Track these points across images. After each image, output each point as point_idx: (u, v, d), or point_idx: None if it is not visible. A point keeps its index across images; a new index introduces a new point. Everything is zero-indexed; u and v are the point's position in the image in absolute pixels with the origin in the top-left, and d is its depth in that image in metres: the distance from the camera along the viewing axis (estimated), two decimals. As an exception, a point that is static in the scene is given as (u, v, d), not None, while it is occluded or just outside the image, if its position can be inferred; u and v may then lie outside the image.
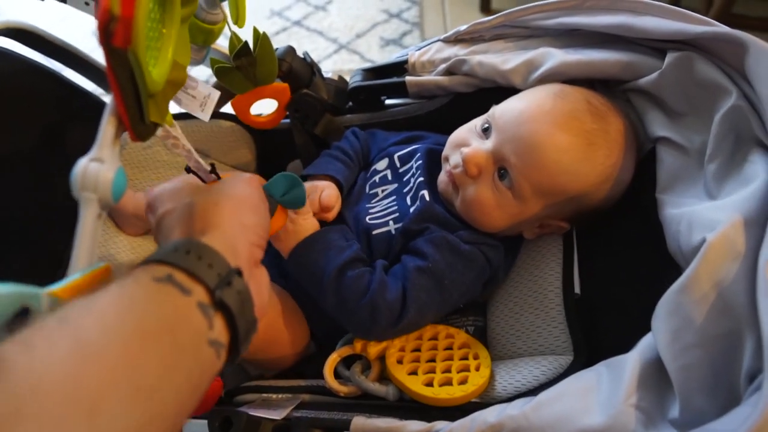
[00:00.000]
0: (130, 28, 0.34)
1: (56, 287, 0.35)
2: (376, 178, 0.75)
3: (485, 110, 0.66)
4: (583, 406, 0.44)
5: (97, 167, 0.39)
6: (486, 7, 1.73)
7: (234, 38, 0.67)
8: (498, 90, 0.70)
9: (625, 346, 0.47)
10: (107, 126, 0.41)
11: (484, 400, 0.57)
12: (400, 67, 0.81)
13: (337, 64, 1.66)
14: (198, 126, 0.87)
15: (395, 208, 0.69)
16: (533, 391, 0.55)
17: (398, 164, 0.75)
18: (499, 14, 0.70)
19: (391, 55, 0.84)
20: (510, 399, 0.55)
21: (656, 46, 0.59)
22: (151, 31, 0.40)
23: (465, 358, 0.61)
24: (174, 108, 0.52)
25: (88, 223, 0.40)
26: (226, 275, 0.38)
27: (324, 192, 0.68)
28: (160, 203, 0.48)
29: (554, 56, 0.64)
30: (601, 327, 0.61)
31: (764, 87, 0.47)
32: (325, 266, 0.61)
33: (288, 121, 0.83)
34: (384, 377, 0.61)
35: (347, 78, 0.86)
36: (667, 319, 0.43)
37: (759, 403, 0.34)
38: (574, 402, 0.45)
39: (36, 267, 0.77)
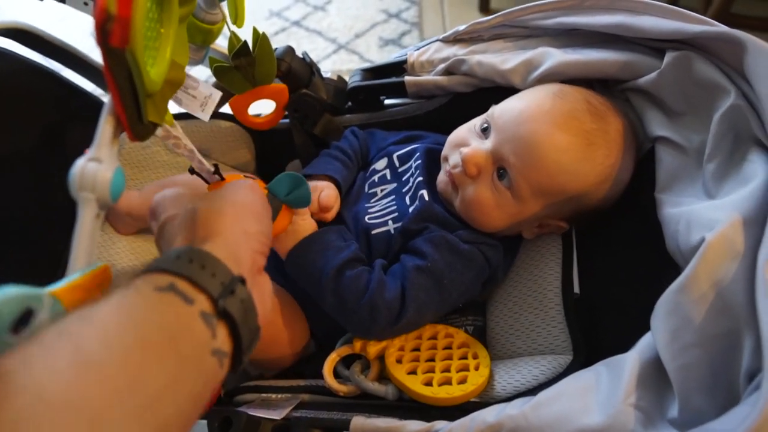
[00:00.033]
0: (127, 28, 0.33)
1: (56, 287, 0.35)
2: (375, 177, 0.75)
3: (484, 110, 0.66)
4: (583, 406, 0.44)
5: (95, 167, 0.39)
6: (485, 7, 1.73)
7: (233, 38, 0.67)
8: (497, 90, 0.70)
9: (624, 346, 0.47)
10: (105, 126, 0.41)
11: (484, 399, 0.57)
12: (399, 67, 0.81)
13: (336, 64, 1.66)
14: (197, 126, 0.87)
15: (394, 207, 0.69)
16: (532, 391, 0.55)
17: (397, 164, 0.75)
18: (498, 14, 0.70)
19: (390, 55, 0.84)
20: (509, 398, 0.55)
21: (655, 45, 0.59)
22: (149, 30, 0.40)
23: (464, 357, 0.61)
24: (173, 108, 0.52)
25: (87, 223, 0.40)
26: (229, 284, 0.38)
27: (323, 192, 0.68)
28: (162, 209, 0.47)
29: (553, 56, 0.64)
30: (600, 327, 0.61)
31: (763, 86, 0.47)
32: (323, 266, 0.61)
33: (287, 121, 0.83)
34: (383, 377, 0.61)
35: (346, 78, 0.86)
36: (666, 319, 0.43)
37: (758, 402, 0.34)
38: (573, 401, 0.45)
39: (36, 267, 0.77)
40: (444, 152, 0.69)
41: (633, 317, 0.49)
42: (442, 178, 0.68)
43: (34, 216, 0.80)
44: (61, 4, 0.71)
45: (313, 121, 0.81)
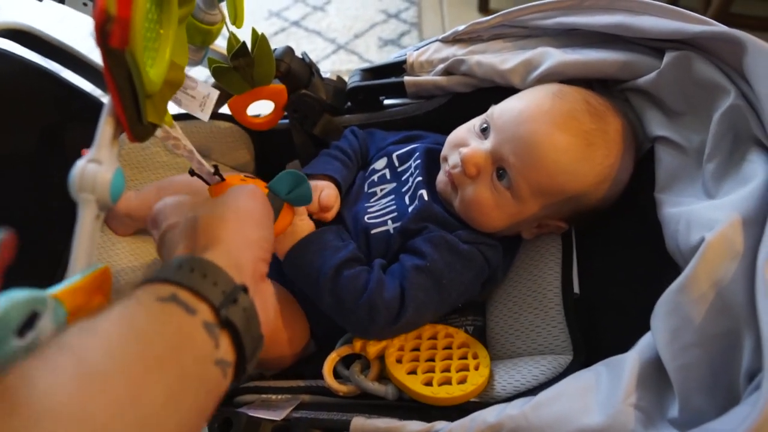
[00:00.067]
0: (127, 29, 0.34)
1: (57, 289, 0.35)
2: (375, 177, 0.75)
3: (484, 110, 0.66)
4: (583, 406, 0.44)
5: (95, 168, 0.39)
6: (484, 7, 1.73)
7: (232, 39, 0.67)
8: (496, 90, 0.70)
9: (624, 346, 0.47)
10: (105, 127, 0.41)
11: (484, 399, 0.57)
12: (398, 68, 0.80)
13: (336, 65, 1.66)
14: (196, 127, 0.87)
15: (394, 207, 0.69)
16: (532, 391, 0.55)
17: (397, 163, 0.75)
18: (498, 14, 0.70)
19: (390, 56, 0.84)
20: (509, 398, 0.55)
21: (654, 45, 0.59)
22: (148, 31, 0.40)
23: (464, 357, 0.61)
24: (173, 109, 0.52)
25: (87, 225, 0.40)
26: (231, 292, 0.38)
27: (323, 192, 0.68)
28: (163, 217, 0.47)
29: (553, 56, 0.64)
30: (600, 327, 0.61)
31: (762, 86, 0.47)
32: (321, 266, 0.61)
33: (287, 121, 0.83)
34: (383, 377, 0.61)
35: (346, 78, 0.86)
36: (666, 319, 0.43)
37: (758, 402, 0.34)
38: (573, 402, 0.45)
39: (36, 267, 0.77)
40: (443, 152, 0.69)
41: (633, 317, 0.49)
42: (441, 178, 0.68)
43: (34, 216, 0.80)
44: (60, 5, 0.71)
45: (312, 121, 0.81)
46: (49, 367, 0.27)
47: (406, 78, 0.78)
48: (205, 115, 0.59)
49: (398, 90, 0.79)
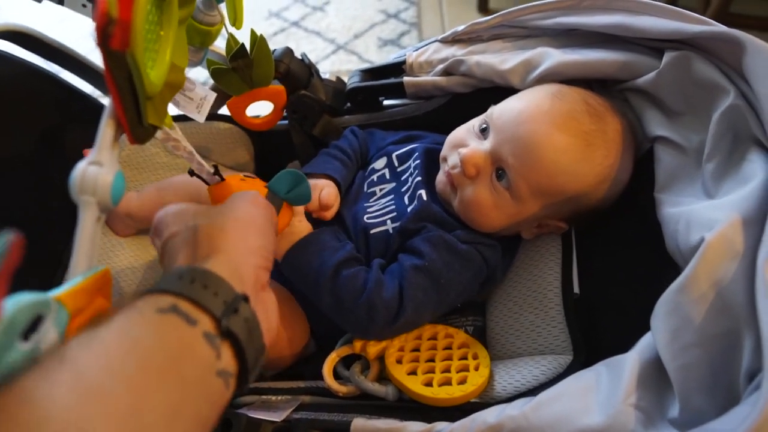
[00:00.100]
0: (128, 31, 0.34)
1: (59, 292, 0.35)
2: (374, 177, 0.75)
3: (483, 110, 0.66)
4: (583, 406, 0.44)
5: (95, 171, 0.39)
6: (484, 7, 1.73)
7: (231, 40, 0.67)
8: (496, 90, 0.70)
9: (624, 346, 0.47)
10: (106, 129, 0.41)
11: (484, 400, 0.57)
12: (397, 68, 0.81)
13: (335, 65, 1.66)
14: (196, 128, 0.87)
15: (393, 207, 0.69)
16: (533, 391, 0.55)
17: (396, 163, 0.75)
18: (497, 14, 0.70)
19: (389, 56, 0.84)
20: (510, 399, 0.55)
21: (654, 45, 0.59)
22: (149, 33, 0.40)
23: (464, 357, 0.61)
24: (172, 110, 0.52)
25: (87, 227, 0.40)
26: (232, 302, 0.37)
27: (323, 191, 0.69)
28: (164, 226, 0.47)
29: (552, 56, 0.64)
30: (600, 327, 0.61)
31: (762, 86, 0.47)
32: (320, 267, 0.61)
33: (286, 122, 0.83)
34: (383, 377, 0.61)
35: (345, 79, 0.86)
36: (666, 319, 0.43)
37: (758, 402, 0.34)
38: (573, 402, 0.45)
39: (36, 267, 0.77)
40: (443, 153, 0.69)
41: (632, 317, 0.49)
42: (440, 178, 0.68)
43: (34, 216, 0.80)
44: (59, 6, 0.71)
45: (312, 122, 0.81)
46: (49, 381, 0.26)
47: (406, 78, 0.78)
48: (201, 117, 0.59)
49: (398, 90, 0.79)
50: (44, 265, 0.80)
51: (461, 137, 0.67)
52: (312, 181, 0.70)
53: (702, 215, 0.47)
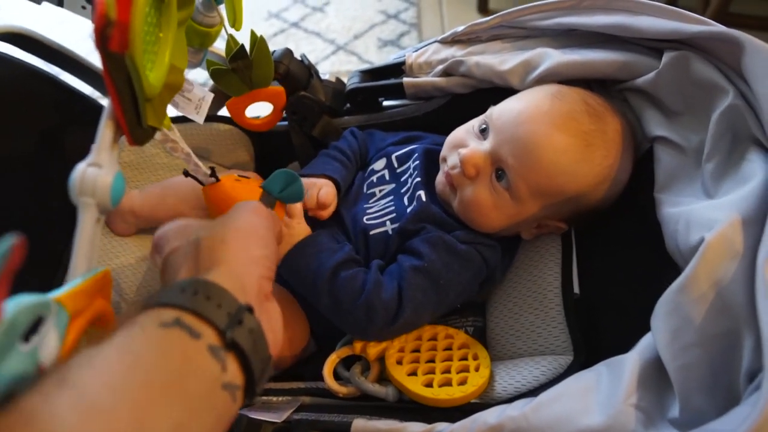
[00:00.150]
0: (126, 33, 0.34)
1: (59, 293, 0.35)
2: (374, 178, 0.75)
3: (483, 111, 0.66)
4: (583, 407, 0.44)
5: (95, 172, 0.39)
6: (483, 8, 1.73)
7: (230, 41, 0.67)
8: (495, 90, 0.70)
9: (625, 346, 0.47)
10: (105, 130, 0.41)
11: (484, 400, 0.57)
12: (397, 69, 0.81)
13: (335, 66, 1.66)
14: (196, 129, 0.87)
15: (392, 208, 0.69)
16: (533, 392, 0.55)
17: (396, 164, 0.75)
18: (497, 15, 0.70)
19: (389, 56, 0.84)
20: (510, 399, 0.55)
21: (653, 45, 0.59)
22: (148, 35, 0.40)
23: (464, 358, 0.61)
24: (171, 111, 0.52)
25: (87, 228, 0.40)
26: (236, 313, 0.37)
27: (322, 189, 0.69)
28: (165, 242, 0.46)
29: (551, 56, 0.64)
30: (600, 327, 0.61)
31: (761, 86, 0.47)
32: (318, 268, 0.61)
33: (286, 123, 0.83)
34: (383, 378, 0.61)
35: (345, 79, 0.86)
36: (666, 319, 0.43)
37: (758, 402, 0.34)
38: (573, 402, 0.45)
39: (36, 267, 0.77)
40: (442, 153, 0.69)
41: (632, 317, 0.49)
42: (440, 179, 0.68)
43: (34, 217, 0.80)
44: (59, 8, 0.71)
45: (311, 122, 0.81)
46: (51, 400, 0.26)
47: (405, 79, 0.78)
48: (200, 118, 0.59)
49: (397, 91, 0.79)
50: (44, 266, 0.80)
51: (461, 138, 0.67)
52: (311, 180, 0.70)
53: (702, 215, 0.47)
